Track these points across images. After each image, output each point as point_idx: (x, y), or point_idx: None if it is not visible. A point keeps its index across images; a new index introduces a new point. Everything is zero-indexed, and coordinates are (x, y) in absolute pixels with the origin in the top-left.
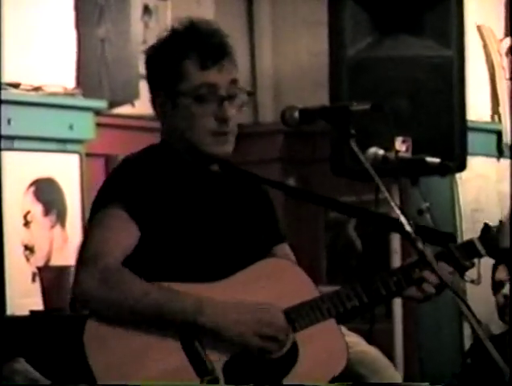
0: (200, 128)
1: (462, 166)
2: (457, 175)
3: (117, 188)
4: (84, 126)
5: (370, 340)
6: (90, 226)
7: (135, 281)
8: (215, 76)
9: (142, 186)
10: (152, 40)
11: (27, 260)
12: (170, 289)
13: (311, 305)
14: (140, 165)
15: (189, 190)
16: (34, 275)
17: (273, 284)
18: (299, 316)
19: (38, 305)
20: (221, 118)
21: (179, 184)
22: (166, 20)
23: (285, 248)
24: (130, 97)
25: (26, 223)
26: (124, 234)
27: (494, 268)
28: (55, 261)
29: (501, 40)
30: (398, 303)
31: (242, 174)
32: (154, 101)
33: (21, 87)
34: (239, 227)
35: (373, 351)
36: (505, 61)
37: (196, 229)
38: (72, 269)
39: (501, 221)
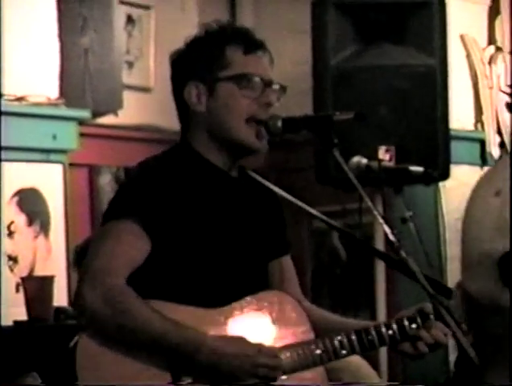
0: (240, 112)
1: (445, 175)
2: (441, 184)
3: (133, 199)
4: (68, 136)
5: None
6: (101, 235)
7: (138, 305)
8: (257, 62)
9: (160, 197)
10: (136, 49)
11: (11, 270)
12: (171, 320)
13: (304, 349)
14: (159, 173)
15: (207, 200)
16: (17, 285)
17: (271, 319)
18: (290, 359)
19: (22, 315)
20: (264, 103)
21: (197, 193)
22: (149, 30)
23: (288, 262)
24: (114, 107)
25: (10, 234)
26: (136, 250)
27: None
28: (39, 271)
29: (484, 49)
30: (381, 307)
31: (258, 183)
32: (187, 95)
33: (4, 97)
34: (252, 241)
35: (357, 360)
36: (488, 70)
37: (209, 246)
38: (57, 279)
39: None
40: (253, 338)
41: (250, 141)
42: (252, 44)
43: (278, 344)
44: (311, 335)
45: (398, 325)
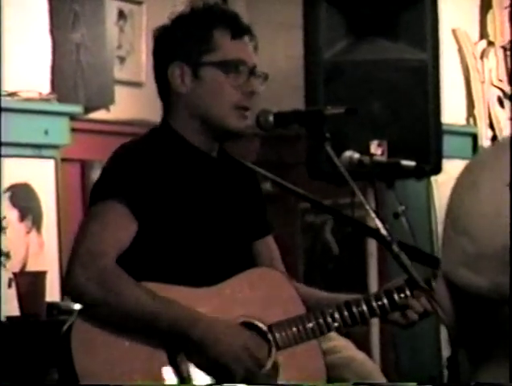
0: (225, 99)
1: (437, 169)
2: (433, 178)
3: (119, 180)
4: (60, 131)
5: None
6: (89, 218)
7: (131, 285)
8: (243, 48)
9: (144, 178)
10: (127, 45)
11: (3, 265)
12: (165, 299)
13: (297, 324)
14: (142, 154)
15: (189, 180)
16: (10, 281)
17: (262, 295)
18: (284, 334)
19: (14, 310)
20: (248, 91)
21: (180, 174)
22: (141, 25)
23: (271, 241)
24: (106, 102)
25: (2, 229)
26: (123, 231)
27: None
28: (31, 267)
29: (476, 43)
30: None
31: (238, 164)
32: (170, 75)
33: None
34: (235, 220)
35: (360, 356)
36: (480, 64)
37: (195, 226)
38: (50, 275)
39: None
40: (247, 314)
41: (235, 127)
42: (240, 29)
43: (270, 320)
44: (302, 309)
45: (387, 295)
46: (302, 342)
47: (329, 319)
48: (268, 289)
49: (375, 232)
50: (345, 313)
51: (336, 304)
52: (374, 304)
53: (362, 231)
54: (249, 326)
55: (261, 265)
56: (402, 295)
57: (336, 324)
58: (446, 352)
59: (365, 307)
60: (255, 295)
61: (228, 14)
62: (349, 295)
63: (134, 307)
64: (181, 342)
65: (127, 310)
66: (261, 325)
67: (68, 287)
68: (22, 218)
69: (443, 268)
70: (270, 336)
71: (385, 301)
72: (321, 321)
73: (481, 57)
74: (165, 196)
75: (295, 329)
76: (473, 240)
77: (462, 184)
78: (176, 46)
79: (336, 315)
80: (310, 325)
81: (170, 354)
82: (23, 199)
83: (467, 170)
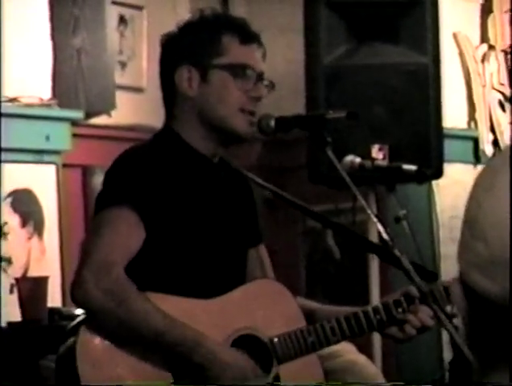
0: (231, 102)
1: (439, 173)
2: (434, 182)
3: (128, 186)
4: (61, 137)
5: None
6: (99, 224)
7: (141, 301)
8: (252, 54)
9: (152, 184)
10: (128, 50)
11: (5, 271)
12: (173, 318)
13: (297, 337)
14: (148, 160)
15: (193, 187)
16: (11, 286)
17: (264, 308)
18: (285, 347)
19: (16, 316)
20: (255, 96)
21: (184, 180)
22: (142, 30)
23: (263, 250)
24: (107, 107)
25: (4, 235)
26: (133, 238)
27: None
28: (33, 272)
29: (477, 47)
30: None
31: (235, 171)
32: (178, 78)
33: None
34: (234, 228)
35: (362, 360)
36: (481, 68)
37: (198, 232)
38: (49, 280)
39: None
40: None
41: (242, 130)
42: (248, 35)
43: (272, 332)
44: (303, 322)
45: (385, 310)
46: (302, 355)
47: (329, 333)
48: (270, 301)
49: (374, 247)
50: (345, 327)
51: (335, 318)
52: (373, 319)
53: (362, 245)
54: (251, 338)
55: (254, 273)
56: (400, 310)
57: (335, 338)
58: (448, 355)
59: (364, 322)
60: (258, 307)
61: (237, 20)
62: (341, 306)
63: (143, 323)
64: (183, 363)
65: (135, 325)
66: (263, 337)
67: (76, 295)
68: (24, 223)
69: (460, 269)
70: (271, 349)
71: (383, 315)
72: (321, 335)
73: (482, 61)
74: (171, 202)
75: (296, 342)
76: (487, 244)
77: (480, 185)
78: (184, 49)
79: (336, 329)
80: (310, 339)
81: (175, 376)
82: (25, 204)
83: (487, 169)
